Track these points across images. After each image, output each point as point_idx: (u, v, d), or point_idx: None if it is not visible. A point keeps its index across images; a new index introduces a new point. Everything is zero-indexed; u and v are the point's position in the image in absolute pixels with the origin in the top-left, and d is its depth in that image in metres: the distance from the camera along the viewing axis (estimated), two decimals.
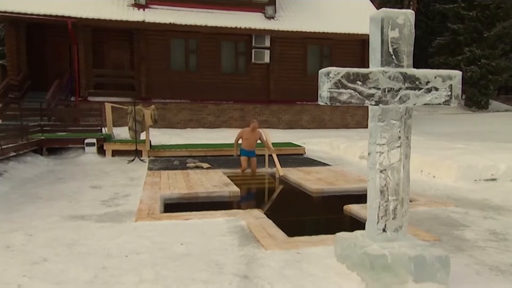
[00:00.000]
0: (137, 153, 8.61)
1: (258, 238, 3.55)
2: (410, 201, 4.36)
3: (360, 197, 5.11)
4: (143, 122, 8.72)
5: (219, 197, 5.42)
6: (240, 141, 7.03)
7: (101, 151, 8.75)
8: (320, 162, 8.57)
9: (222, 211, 4.39)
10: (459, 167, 6.22)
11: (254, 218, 4.15)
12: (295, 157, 9.20)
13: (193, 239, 3.54)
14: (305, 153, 9.78)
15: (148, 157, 8.93)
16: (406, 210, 2.93)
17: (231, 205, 5.15)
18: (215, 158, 8.93)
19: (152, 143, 9.69)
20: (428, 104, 2.77)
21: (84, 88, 12.73)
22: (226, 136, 12.00)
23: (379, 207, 2.87)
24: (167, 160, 8.62)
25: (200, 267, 2.99)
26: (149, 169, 7.45)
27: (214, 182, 6.11)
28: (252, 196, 6.23)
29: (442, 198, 5.19)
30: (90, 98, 12.63)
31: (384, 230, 2.89)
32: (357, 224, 4.26)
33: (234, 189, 5.66)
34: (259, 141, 7.07)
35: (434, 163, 6.67)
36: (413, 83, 2.75)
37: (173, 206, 4.93)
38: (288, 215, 4.93)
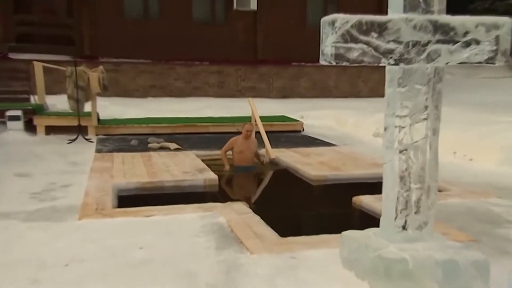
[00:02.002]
0: (81, 130, 8.54)
1: (242, 239, 3.59)
2: (439, 190, 4.44)
3: (374, 186, 5.20)
4: (88, 88, 8.62)
5: (191, 186, 5.46)
6: (230, 152, 6.86)
7: (30, 128, 8.64)
8: (323, 141, 8.67)
9: (195, 205, 4.41)
10: (504, 148, 6.33)
11: (237, 214, 4.18)
12: (290, 135, 9.30)
13: (156, 242, 3.56)
14: (303, 129, 9.86)
15: (96, 135, 8.91)
16: (433, 202, 2.98)
17: (206, 197, 5.20)
18: (185, 136, 8.95)
19: (101, 117, 9.61)
20: (466, 63, 2.77)
21: (2, 41, 12.28)
22: (199, 107, 11.97)
23: (398, 198, 2.91)
24: (121, 139, 8.63)
25: (165, 278, 3.01)
26: (98, 151, 7.43)
27: (185, 167, 6.14)
28: (234, 185, 6.28)
29: (481, 187, 5.31)
30: (12, 55, 12.23)
31: (404, 227, 2.94)
32: (370, 220, 4.33)
33: (211, 176, 5.70)
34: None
35: (471, 143, 6.77)
36: (447, 34, 2.73)
37: (129, 200, 4.94)
38: (281, 209, 4.99)
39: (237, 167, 6.49)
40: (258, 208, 4.59)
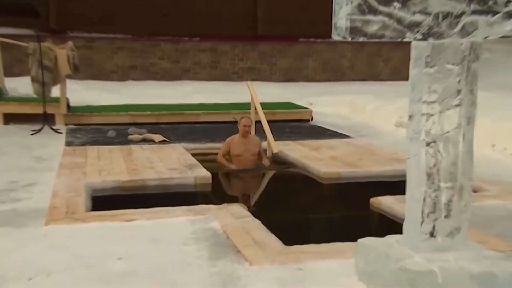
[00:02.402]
0: (47, 119, 8.54)
1: (239, 248, 3.61)
2: (474, 190, 4.45)
3: (396, 185, 5.20)
4: (55, 69, 8.61)
5: (180, 186, 5.50)
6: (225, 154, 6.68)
7: None
8: (335, 132, 8.70)
9: (184, 208, 4.42)
10: None
11: (233, 217, 4.19)
12: (296, 125, 9.35)
13: (137, 251, 3.57)
14: (312, 118, 9.91)
15: (66, 125, 8.92)
16: (467, 204, 2.99)
17: (197, 198, 5.24)
18: (172, 126, 8.97)
19: (72, 103, 9.61)
20: (508, 37, 2.76)
21: None
22: (188, 92, 12.01)
23: (424, 200, 2.92)
24: (96, 130, 8.65)
25: None
26: (68, 143, 7.45)
27: (172, 163, 6.17)
28: (230, 184, 6.29)
29: None
30: None
31: (432, 234, 2.95)
32: (391, 225, 4.36)
33: (203, 173, 5.72)
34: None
35: None
36: (484, 3, 2.71)
37: (106, 201, 4.96)
38: (285, 212, 5.01)
39: (235, 170, 6.45)
40: (259, 211, 4.61)
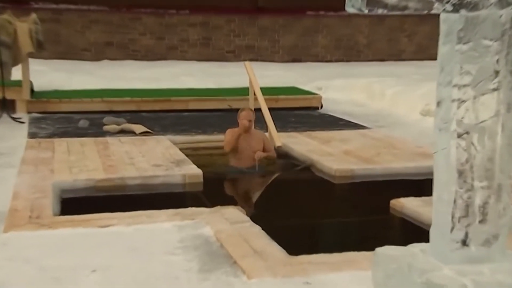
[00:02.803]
0: (6, 106, 8.55)
1: (236, 258, 3.61)
2: None
3: (421, 185, 5.21)
4: (15, 46, 8.59)
5: (165, 185, 5.54)
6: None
7: None
8: (349, 122, 8.72)
9: (170, 211, 4.44)
10: None
11: (229, 223, 4.19)
12: (303, 114, 9.37)
13: (115, 262, 3.57)
14: (321, 106, 9.91)
15: (29, 113, 8.93)
16: (506, 207, 2.99)
17: (186, 199, 5.25)
18: (156, 115, 9.00)
19: (36, 88, 9.63)
20: None
21: None
22: (175, 75, 11.97)
23: (455, 202, 2.92)
24: (65, 119, 8.66)
25: None
26: (31, 135, 7.46)
27: (156, 158, 6.19)
28: (225, 183, 6.30)
29: None
30: None
31: (464, 242, 2.95)
32: (415, 232, 4.39)
33: (193, 170, 5.75)
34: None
35: None
36: None
37: (78, 204, 4.97)
38: (290, 216, 5.03)
39: (233, 168, 6.44)
40: (259, 215, 4.63)
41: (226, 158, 6.57)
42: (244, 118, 6.31)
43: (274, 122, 7.04)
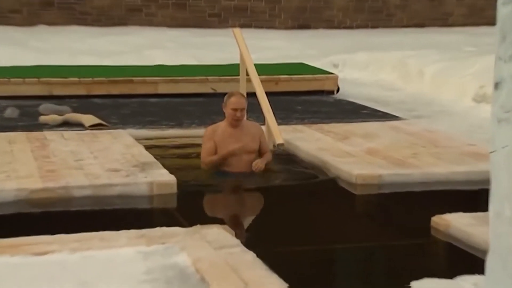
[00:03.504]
0: None
1: None
2: None
3: (473, 196, 5.21)
4: None
5: (126, 197, 5.50)
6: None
7: None
8: (375, 111, 8.72)
9: (133, 232, 4.36)
10: None
11: (212, 247, 4.14)
12: (314, 100, 9.37)
13: None
14: (338, 89, 9.94)
15: None
16: None
17: (154, 216, 5.26)
18: (114, 102, 9.04)
19: None
20: None
21: None
22: (139, 46, 12.04)
23: None
24: None
25: None
26: None
27: (113, 161, 6.18)
28: (207, 195, 6.25)
29: None
30: None
31: None
32: (464, 260, 4.35)
33: (163, 177, 5.74)
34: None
35: None
36: None
37: (5, 222, 4.94)
38: (294, 239, 5.00)
39: (218, 174, 6.36)
40: (253, 237, 4.64)
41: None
42: (233, 107, 6.12)
43: (273, 111, 7.00)
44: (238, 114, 6.09)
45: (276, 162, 6.70)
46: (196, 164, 6.66)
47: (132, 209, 5.43)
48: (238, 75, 7.85)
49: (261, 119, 7.06)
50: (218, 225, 4.62)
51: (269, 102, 7.05)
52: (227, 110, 6.13)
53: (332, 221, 5.56)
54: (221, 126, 6.23)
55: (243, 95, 6.56)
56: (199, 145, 6.60)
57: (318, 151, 6.67)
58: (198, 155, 6.61)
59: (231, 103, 6.13)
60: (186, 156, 6.97)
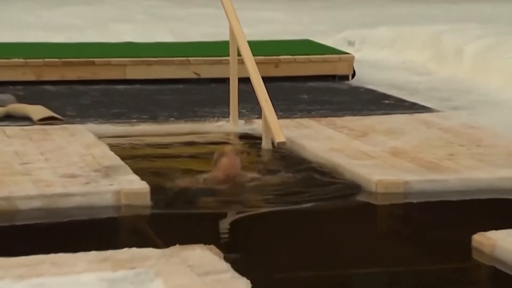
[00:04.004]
0: None
1: None
2: None
3: None
4: None
5: (85, 210, 5.47)
6: None
7: None
8: (401, 101, 8.77)
9: (94, 255, 4.34)
10: None
11: (194, 273, 4.11)
12: (324, 87, 9.43)
13: None
14: (354, 73, 10.04)
15: None
16: None
17: (122, 234, 5.27)
18: (70, 89, 9.11)
19: None
20: None
21: None
22: (102, 18, 12.01)
23: None
24: None
25: None
26: None
27: (70, 164, 6.17)
28: (189, 206, 6.23)
29: None
30: None
31: None
32: None
33: (133, 184, 5.71)
34: None
35: None
36: None
37: None
38: (297, 262, 4.98)
39: (205, 181, 6.41)
40: (246, 261, 4.60)
41: (191, 162, 6.54)
42: (226, 172, 6.31)
43: (272, 101, 7.00)
44: (227, 175, 6.19)
45: (276, 166, 6.69)
46: (175, 167, 6.65)
47: (93, 225, 5.37)
48: (228, 56, 7.86)
49: (257, 111, 7.05)
50: (203, 245, 4.58)
51: (267, 89, 7.05)
52: (217, 172, 6.21)
53: (346, 240, 5.51)
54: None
55: (237, 154, 6.54)
56: (178, 144, 6.61)
57: (329, 152, 6.67)
58: (177, 157, 6.61)
59: (223, 165, 6.23)
60: (162, 158, 6.99)
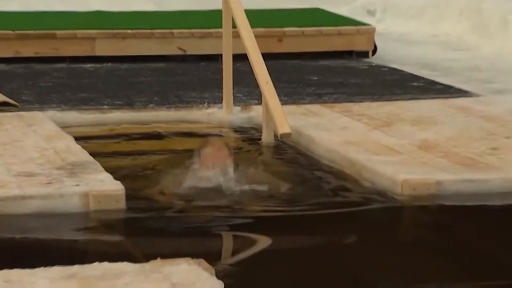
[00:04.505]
0: None
1: None
2: None
3: None
4: None
5: (46, 215, 5.46)
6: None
7: None
8: (433, 83, 8.81)
9: (58, 270, 4.35)
10: None
11: None
12: (339, 65, 9.50)
13: None
14: (375, 49, 10.14)
15: None
16: None
17: (91, 244, 5.27)
18: (28, 68, 9.16)
19: None
20: None
21: None
22: None
23: None
24: None
25: None
26: None
27: (26, 160, 6.20)
28: (172, 210, 6.26)
29: None
30: None
31: None
32: None
33: (104, 185, 5.70)
34: None
35: None
36: None
37: None
38: (307, 279, 5.01)
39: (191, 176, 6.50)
40: (243, 277, 4.66)
41: (174, 158, 6.58)
42: (207, 161, 6.27)
43: (275, 83, 7.03)
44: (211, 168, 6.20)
45: (278, 163, 6.72)
46: (155, 164, 6.66)
47: (56, 234, 5.41)
48: (220, 28, 7.90)
49: (255, 96, 7.06)
50: (189, 259, 4.63)
51: (268, 69, 7.09)
52: (201, 163, 6.22)
53: (367, 252, 5.54)
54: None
55: (223, 145, 6.59)
56: (159, 136, 6.61)
57: (344, 145, 6.70)
58: (157, 152, 6.63)
59: (207, 156, 6.32)
60: (140, 153, 7.03)
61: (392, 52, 9.85)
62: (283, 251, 5.53)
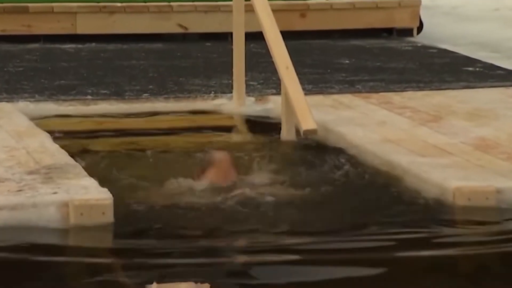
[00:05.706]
0: None
1: None
2: None
3: None
4: None
5: (17, 231, 5.42)
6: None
7: None
8: (492, 67, 8.85)
9: None
10: None
11: None
12: (375, 46, 9.56)
13: None
14: (421, 26, 10.17)
15: None
16: None
17: (71, 267, 5.19)
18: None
19: None
20: None
21: None
22: None
23: None
24: None
25: None
26: None
27: None
28: (169, 226, 6.28)
29: None
30: None
31: None
32: None
33: (88, 193, 5.63)
34: None
35: None
36: None
37: None
38: None
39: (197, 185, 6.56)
40: None
41: (174, 161, 6.61)
42: (212, 182, 6.38)
43: (297, 69, 7.02)
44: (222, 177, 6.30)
45: (301, 167, 6.72)
46: (150, 168, 6.67)
47: (29, 253, 5.39)
48: (230, 0, 7.89)
49: (274, 84, 7.07)
50: (192, 284, 4.65)
51: (289, 51, 7.09)
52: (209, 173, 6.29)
53: (411, 270, 5.54)
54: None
55: (230, 165, 6.62)
56: (155, 133, 6.64)
57: (383, 144, 6.73)
58: (153, 153, 6.66)
59: (210, 178, 6.42)
60: (132, 153, 7.07)
61: (441, 30, 9.85)
62: (303, 276, 5.57)
